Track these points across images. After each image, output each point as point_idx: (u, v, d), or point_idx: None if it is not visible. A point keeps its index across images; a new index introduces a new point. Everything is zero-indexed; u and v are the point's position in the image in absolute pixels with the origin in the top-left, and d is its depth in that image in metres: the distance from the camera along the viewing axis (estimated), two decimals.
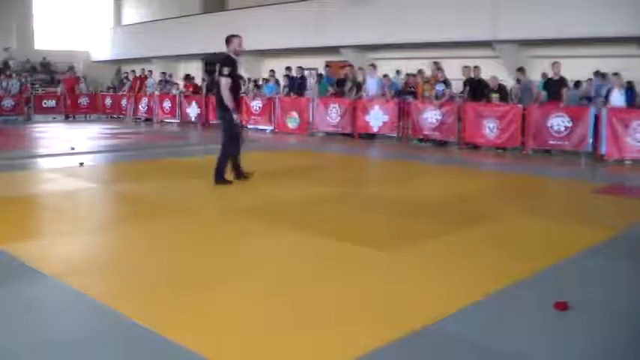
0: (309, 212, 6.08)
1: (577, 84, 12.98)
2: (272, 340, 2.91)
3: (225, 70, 6.92)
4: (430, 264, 4.20)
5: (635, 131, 10.03)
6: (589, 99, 12.40)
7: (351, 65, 15.76)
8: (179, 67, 22.85)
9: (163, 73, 20.57)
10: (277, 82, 16.47)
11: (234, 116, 7.03)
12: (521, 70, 12.47)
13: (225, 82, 6.91)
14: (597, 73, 12.48)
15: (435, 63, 13.93)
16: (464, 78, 12.94)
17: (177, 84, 19.67)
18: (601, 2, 12.43)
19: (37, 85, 22.32)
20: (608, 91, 11.10)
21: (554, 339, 2.97)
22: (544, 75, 12.32)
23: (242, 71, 19.43)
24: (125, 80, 22.15)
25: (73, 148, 10.93)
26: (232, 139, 7.18)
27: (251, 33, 18.89)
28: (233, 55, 7.02)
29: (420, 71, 14.07)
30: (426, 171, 9.75)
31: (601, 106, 10.83)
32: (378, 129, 13.52)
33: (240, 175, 7.35)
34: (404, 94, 13.87)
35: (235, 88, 7.13)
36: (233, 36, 7.10)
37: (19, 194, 6.64)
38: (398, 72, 15.57)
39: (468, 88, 12.67)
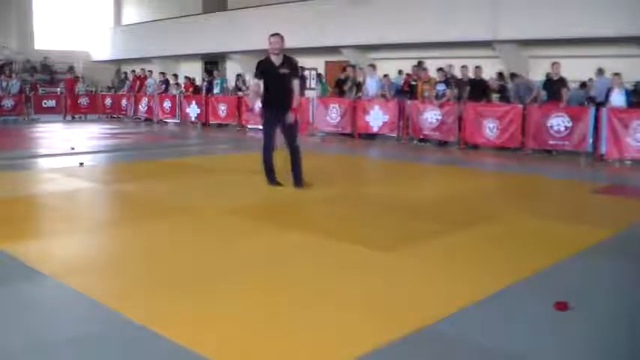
0: (309, 212, 6.08)
1: (583, 85, 12.94)
2: (272, 340, 2.91)
3: (255, 73, 6.96)
4: (430, 264, 4.20)
5: (635, 131, 10.03)
6: (591, 99, 12.38)
7: (353, 66, 15.78)
8: (179, 67, 22.83)
9: (162, 73, 20.60)
10: None
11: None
12: (513, 76, 12.55)
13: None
14: (600, 72, 12.47)
15: (420, 63, 13.98)
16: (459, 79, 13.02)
17: (177, 84, 19.66)
18: (601, 2, 12.43)
19: (41, 88, 22.21)
20: (608, 91, 11.11)
21: (554, 339, 2.97)
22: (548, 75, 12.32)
23: (240, 70, 19.52)
24: (125, 80, 22.16)
25: (73, 148, 10.94)
26: (264, 137, 7.05)
27: (251, 33, 18.93)
28: (272, 56, 6.84)
29: (419, 65, 14.08)
30: (426, 171, 9.75)
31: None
32: (378, 129, 13.53)
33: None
34: (403, 93, 13.85)
35: (267, 88, 6.87)
36: (270, 35, 6.93)
37: (19, 194, 6.64)
38: (400, 72, 15.57)
39: (468, 88, 12.71)
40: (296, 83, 7.00)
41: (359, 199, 6.73)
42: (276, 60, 6.82)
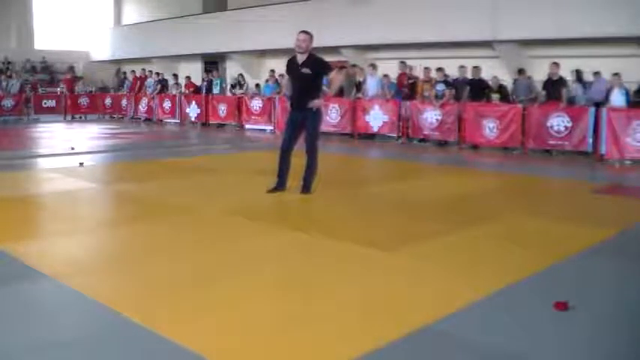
0: (309, 212, 6.09)
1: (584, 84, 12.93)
2: (272, 340, 2.91)
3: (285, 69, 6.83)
4: (430, 264, 4.20)
5: (635, 131, 10.03)
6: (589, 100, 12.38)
7: (354, 65, 15.79)
8: (179, 67, 22.82)
9: (157, 73, 20.62)
10: (277, 82, 16.48)
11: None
12: (520, 71, 12.56)
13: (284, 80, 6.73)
14: (597, 74, 12.46)
15: (402, 62, 13.99)
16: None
17: (177, 84, 19.67)
18: (601, 2, 12.41)
19: (41, 88, 22.14)
20: (608, 91, 11.11)
21: (554, 339, 2.97)
22: (549, 75, 12.30)
23: (240, 70, 19.51)
24: (125, 80, 22.15)
25: (73, 148, 10.94)
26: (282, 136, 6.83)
27: (251, 33, 18.93)
28: (297, 54, 6.48)
29: (404, 64, 14.10)
30: (426, 171, 9.76)
31: None
32: (378, 129, 13.53)
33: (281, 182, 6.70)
34: (403, 93, 13.82)
35: (295, 85, 6.63)
36: (298, 32, 6.52)
37: (19, 194, 6.63)
38: (385, 75, 15.51)
39: (468, 88, 12.73)
40: (331, 78, 6.62)
41: (359, 198, 6.73)
42: (300, 59, 6.47)
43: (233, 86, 18.15)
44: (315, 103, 6.50)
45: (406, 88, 13.65)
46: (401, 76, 14.07)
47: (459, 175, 8.83)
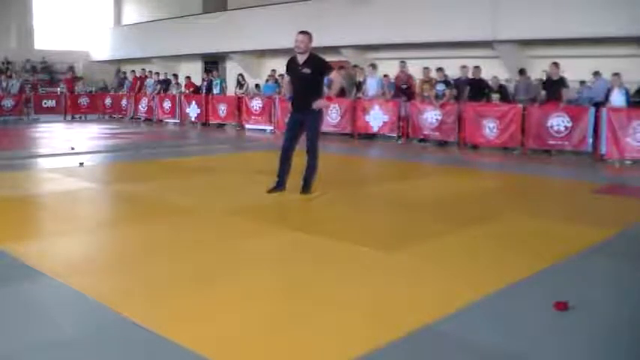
0: (309, 212, 6.09)
1: (582, 84, 12.95)
2: (272, 340, 2.91)
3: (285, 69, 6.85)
4: (430, 264, 4.20)
5: (635, 131, 10.03)
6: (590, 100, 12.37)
7: (355, 66, 15.78)
8: (179, 67, 22.83)
9: (157, 73, 20.62)
10: (277, 81, 16.49)
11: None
12: (521, 71, 12.58)
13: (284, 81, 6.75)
14: (597, 73, 12.47)
15: (402, 62, 14.01)
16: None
17: (177, 83, 19.68)
18: (601, 2, 12.41)
19: (41, 88, 22.11)
20: (608, 91, 11.11)
21: (554, 339, 2.97)
22: (548, 75, 12.32)
23: (240, 70, 19.51)
24: (125, 80, 22.15)
25: (73, 148, 10.94)
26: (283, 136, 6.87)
27: (251, 33, 18.93)
28: (297, 55, 6.47)
29: (405, 66, 14.14)
30: (426, 171, 9.76)
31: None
32: (378, 129, 13.53)
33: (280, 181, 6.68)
34: (400, 93, 13.81)
35: (296, 85, 6.62)
36: (298, 32, 6.50)
37: (19, 194, 6.63)
38: (386, 75, 15.54)
39: (468, 88, 12.74)
40: (332, 79, 6.71)
41: (359, 198, 6.73)
42: (301, 59, 6.46)
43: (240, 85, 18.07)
44: (319, 103, 6.51)
45: (403, 94, 13.65)
46: (396, 78, 14.07)
47: (459, 175, 8.83)
